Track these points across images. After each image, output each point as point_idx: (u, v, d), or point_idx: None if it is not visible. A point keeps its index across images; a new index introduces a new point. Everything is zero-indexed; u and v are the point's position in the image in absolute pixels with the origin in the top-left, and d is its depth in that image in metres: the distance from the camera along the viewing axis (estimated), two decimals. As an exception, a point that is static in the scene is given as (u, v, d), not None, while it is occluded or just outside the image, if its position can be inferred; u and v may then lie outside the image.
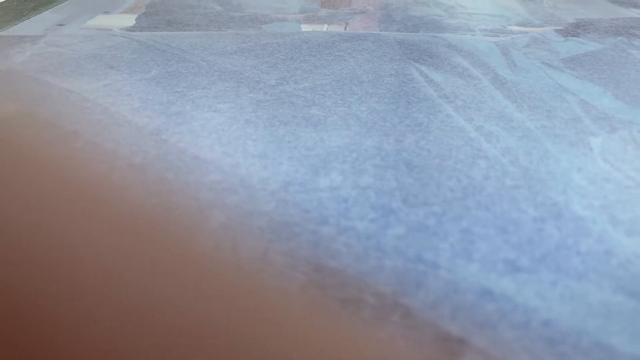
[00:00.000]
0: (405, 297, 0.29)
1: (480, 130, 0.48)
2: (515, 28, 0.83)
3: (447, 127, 0.49)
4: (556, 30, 0.81)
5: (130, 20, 0.84)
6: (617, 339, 0.27)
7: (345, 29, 0.81)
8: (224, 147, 0.45)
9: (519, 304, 0.29)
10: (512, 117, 0.51)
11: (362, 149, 0.45)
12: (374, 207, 0.37)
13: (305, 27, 0.81)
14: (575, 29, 0.82)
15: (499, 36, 0.78)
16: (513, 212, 0.37)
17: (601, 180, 0.41)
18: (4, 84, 0.58)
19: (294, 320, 0.27)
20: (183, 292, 0.29)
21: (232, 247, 0.33)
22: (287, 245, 0.33)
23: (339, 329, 0.26)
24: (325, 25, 0.83)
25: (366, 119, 0.50)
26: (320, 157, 0.44)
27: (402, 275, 0.30)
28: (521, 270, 0.32)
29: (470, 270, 0.31)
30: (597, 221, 0.36)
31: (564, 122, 0.51)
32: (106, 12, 0.88)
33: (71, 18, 0.84)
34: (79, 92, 0.56)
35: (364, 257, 0.32)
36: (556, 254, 0.33)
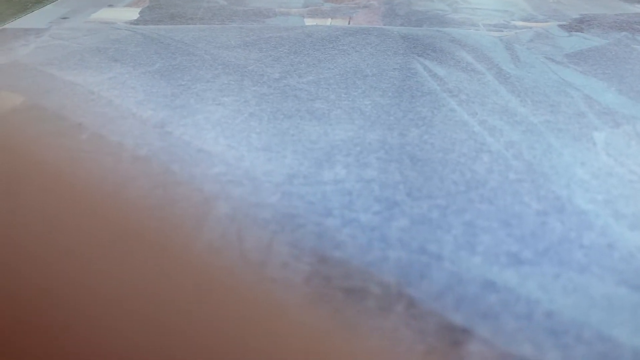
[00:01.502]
0: (410, 287, 0.29)
1: (483, 124, 0.49)
2: (519, 23, 0.83)
3: (450, 121, 0.49)
4: (560, 26, 0.81)
5: (134, 13, 0.84)
6: (619, 330, 0.27)
7: (349, 23, 0.81)
8: (228, 140, 0.45)
9: (522, 295, 0.29)
10: (515, 112, 0.52)
11: (366, 142, 0.45)
12: (378, 199, 0.37)
13: (309, 21, 0.81)
14: (579, 25, 0.82)
15: (502, 31, 0.78)
16: (516, 205, 0.37)
17: (604, 174, 0.41)
18: (10, 77, 0.58)
19: (299, 309, 0.28)
20: (187, 281, 0.29)
21: (237, 238, 0.33)
22: (292, 236, 0.33)
23: (344, 318, 0.26)
24: (329, 20, 0.83)
25: (370, 112, 0.50)
26: (324, 151, 0.44)
27: (406, 267, 0.31)
28: (524, 262, 0.32)
29: (473, 262, 0.31)
30: (600, 215, 0.37)
31: (568, 117, 0.51)
32: (110, 6, 0.88)
33: (75, 11, 0.84)
34: (84, 84, 0.56)
35: (368, 248, 0.32)
36: (559, 247, 0.33)
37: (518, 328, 0.27)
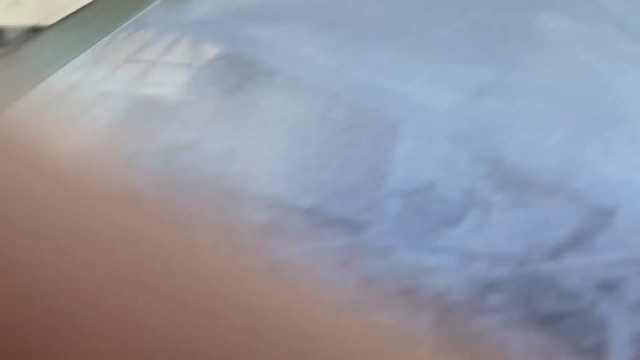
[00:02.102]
0: (567, 180, 0.39)
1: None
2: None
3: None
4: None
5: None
6: None
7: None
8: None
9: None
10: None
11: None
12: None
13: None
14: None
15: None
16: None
17: None
18: (201, 31, 0.72)
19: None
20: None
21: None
22: (473, 147, 0.44)
23: (521, 198, 0.38)
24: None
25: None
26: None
27: (562, 169, 0.41)
28: (655, 169, 0.41)
29: (615, 166, 0.41)
30: None
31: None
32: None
33: (228, -26, 0.97)
34: (264, 36, 0.69)
35: (529, 157, 0.43)
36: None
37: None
